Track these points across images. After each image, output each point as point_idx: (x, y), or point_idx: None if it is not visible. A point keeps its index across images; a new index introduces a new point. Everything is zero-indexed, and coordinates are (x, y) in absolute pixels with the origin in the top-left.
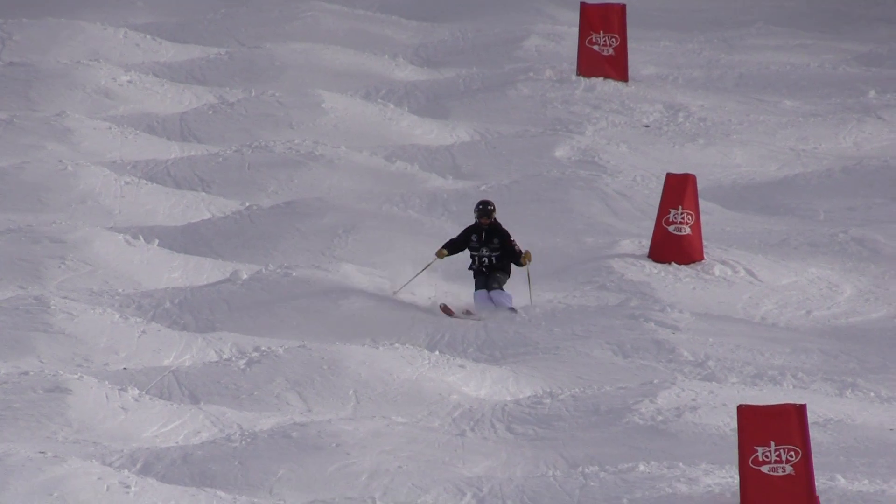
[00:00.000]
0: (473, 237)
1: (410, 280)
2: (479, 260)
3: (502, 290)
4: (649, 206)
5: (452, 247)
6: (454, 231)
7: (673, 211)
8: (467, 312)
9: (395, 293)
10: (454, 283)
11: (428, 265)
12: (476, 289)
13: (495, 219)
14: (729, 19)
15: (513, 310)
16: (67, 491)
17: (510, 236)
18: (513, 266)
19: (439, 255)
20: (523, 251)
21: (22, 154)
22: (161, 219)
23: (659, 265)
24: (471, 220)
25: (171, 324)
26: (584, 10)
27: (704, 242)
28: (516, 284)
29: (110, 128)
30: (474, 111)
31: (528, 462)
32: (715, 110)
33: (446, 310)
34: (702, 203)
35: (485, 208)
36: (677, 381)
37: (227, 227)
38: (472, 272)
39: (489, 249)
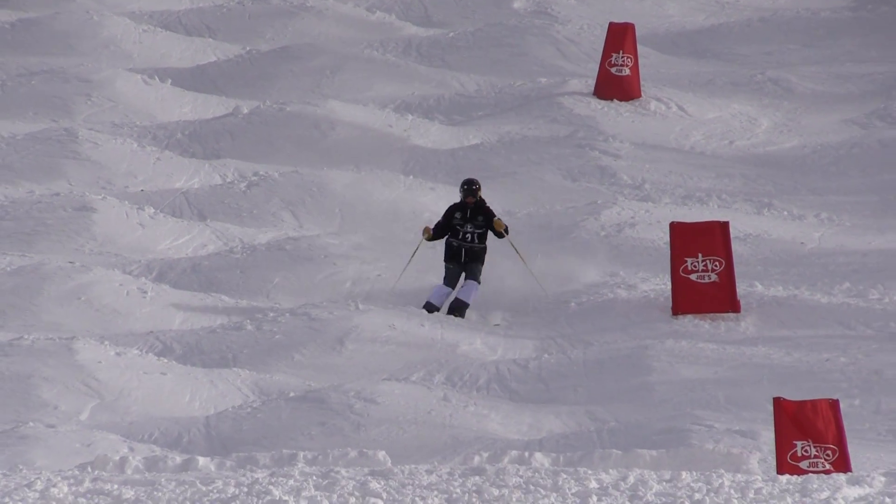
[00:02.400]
0: (457, 214)
1: (405, 268)
2: (461, 235)
3: (476, 280)
4: (594, 50)
5: (438, 230)
6: (426, 73)
7: (615, 55)
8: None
9: (394, 286)
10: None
11: (417, 248)
12: (444, 283)
13: (481, 197)
14: None
15: (466, 305)
16: (93, 295)
17: (495, 215)
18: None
19: (425, 232)
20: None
21: (53, 6)
22: (173, 61)
23: (602, 101)
24: (439, 63)
25: (182, 152)
26: None
27: (642, 82)
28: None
29: None
30: None
31: None
32: None
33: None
34: (639, 48)
35: (469, 188)
36: (618, 202)
37: (230, 68)
38: (444, 262)
39: (473, 226)
